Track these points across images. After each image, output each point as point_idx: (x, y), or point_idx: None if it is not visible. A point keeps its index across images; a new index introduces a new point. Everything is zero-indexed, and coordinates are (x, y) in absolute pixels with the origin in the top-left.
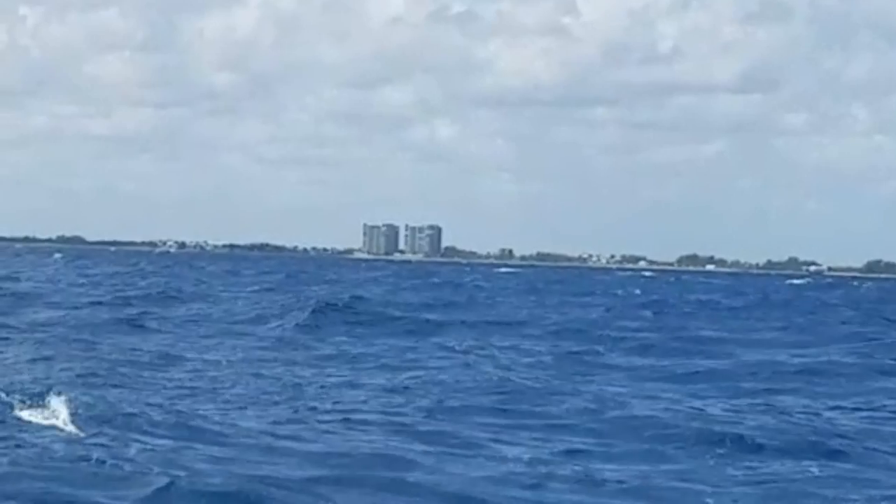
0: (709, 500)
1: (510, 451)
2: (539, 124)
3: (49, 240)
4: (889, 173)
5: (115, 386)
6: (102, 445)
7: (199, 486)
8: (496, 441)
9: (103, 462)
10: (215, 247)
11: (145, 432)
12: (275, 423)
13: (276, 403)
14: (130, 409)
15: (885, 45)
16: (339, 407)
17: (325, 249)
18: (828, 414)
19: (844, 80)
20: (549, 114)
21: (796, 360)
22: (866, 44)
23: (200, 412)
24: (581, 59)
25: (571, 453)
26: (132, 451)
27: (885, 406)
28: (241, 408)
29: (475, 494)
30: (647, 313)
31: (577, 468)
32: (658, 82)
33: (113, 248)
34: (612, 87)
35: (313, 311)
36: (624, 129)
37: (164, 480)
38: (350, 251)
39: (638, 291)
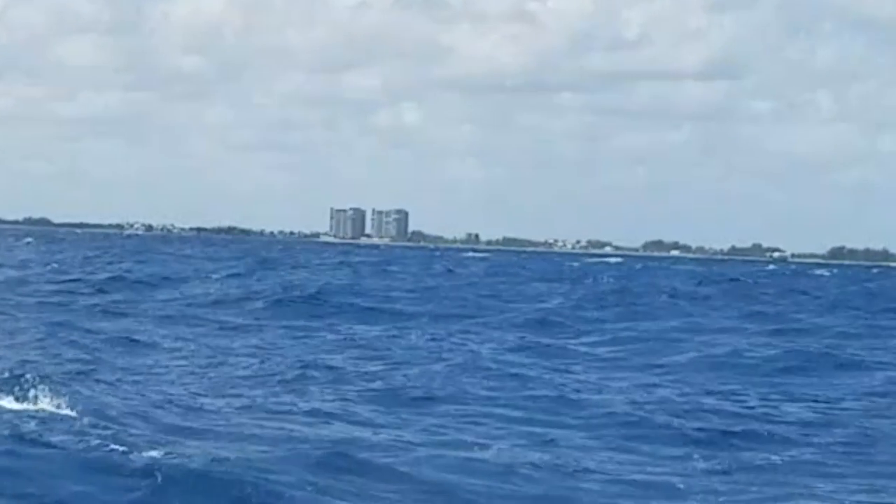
0: (680, 485)
1: (476, 440)
2: (505, 110)
3: (16, 221)
4: (853, 161)
5: (85, 373)
6: (70, 430)
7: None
8: (460, 430)
9: (65, 449)
10: (182, 230)
11: (113, 418)
12: (240, 408)
13: (239, 389)
14: (93, 394)
15: (849, 34)
16: (294, 394)
17: (291, 233)
18: (787, 406)
19: (809, 67)
20: (514, 99)
21: (764, 352)
22: (831, 32)
23: (164, 396)
24: (547, 45)
25: (538, 441)
26: (93, 436)
27: (842, 399)
28: (200, 394)
29: (442, 481)
30: (618, 301)
31: (543, 456)
32: (624, 69)
33: (79, 231)
34: (578, 73)
35: (278, 299)
36: (589, 116)
37: (136, 464)
38: (317, 235)
39: (609, 279)
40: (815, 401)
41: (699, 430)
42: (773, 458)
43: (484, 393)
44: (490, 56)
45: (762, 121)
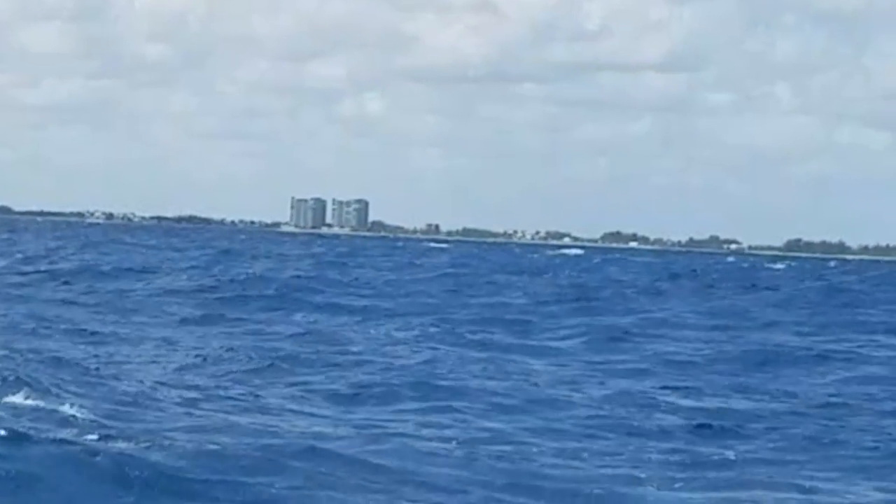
0: (641, 474)
1: (431, 433)
2: (467, 100)
3: None
4: (810, 153)
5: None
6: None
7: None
8: (420, 425)
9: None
10: (143, 218)
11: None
12: (194, 398)
13: (197, 380)
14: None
15: (809, 26)
16: (251, 386)
17: (252, 222)
18: (743, 401)
19: (769, 60)
20: (477, 90)
21: (722, 347)
22: (791, 24)
23: (121, 387)
24: (509, 36)
25: (491, 435)
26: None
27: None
28: (158, 384)
29: (405, 469)
30: (578, 295)
31: (504, 448)
32: (585, 60)
33: (40, 219)
34: (540, 64)
35: (239, 292)
36: (551, 106)
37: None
38: (277, 224)
39: (571, 273)
40: (772, 395)
41: (656, 423)
42: (728, 452)
43: (446, 384)
44: (453, 46)
45: (721, 113)
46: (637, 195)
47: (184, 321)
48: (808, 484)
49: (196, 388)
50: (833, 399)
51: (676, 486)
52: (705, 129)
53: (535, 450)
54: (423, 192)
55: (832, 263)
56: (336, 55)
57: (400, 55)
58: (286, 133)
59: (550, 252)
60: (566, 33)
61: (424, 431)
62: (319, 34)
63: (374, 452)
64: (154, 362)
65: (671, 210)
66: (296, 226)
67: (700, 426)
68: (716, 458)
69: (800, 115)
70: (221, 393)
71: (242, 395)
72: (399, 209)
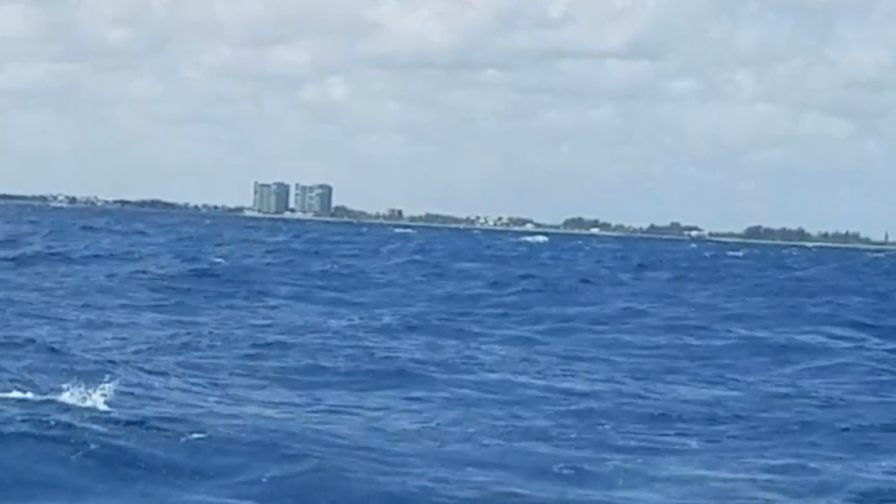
0: (586, 466)
1: (400, 415)
2: (430, 86)
3: None
4: (770, 141)
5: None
6: None
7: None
8: (381, 408)
9: None
10: (106, 202)
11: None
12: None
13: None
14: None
15: (772, 15)
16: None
17: (215, 207)
18: (704, 389)
19: (732, 48)
20: (440, 76)
21: (686, 340)
22: (754, 13)
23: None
24: (473, 23)
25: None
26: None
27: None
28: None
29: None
30: (543, 284)
31: (467, 429)
32: (548, 47)
33: (2, 202)
34: (503, 51)
35: (204, 278)
36: (514, 93)
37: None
38: (241, 209)
39: (536, 260)
40: (730, 386)
41: (616, 411)
42: (691, 442)
43: (410, 369)
44: (417, 33)
45: (684, 101)
46: (599, 182)
47: (150, 307)
48: (771, 464)
49: (160, 374)
50: (789, 390)
51: (638, 465)
52: (667, 117)
53: (485, 430)
54: (385, 178)
55: (794, 252)
56: (300, 41)
57: (363, 41)
58: (250, 118)
59: (515, 239)
60: (530, 21)
61: (389, 414)
62: (283, 20)
63: (329, 432)
64: (118, 348)
65: (633, 197)
66: (259, 211)
67: (662, 415)
68: (677, 446)
69: (762, 104)
70: (183, 379)
71: (203, 380)
72: (362, 195)
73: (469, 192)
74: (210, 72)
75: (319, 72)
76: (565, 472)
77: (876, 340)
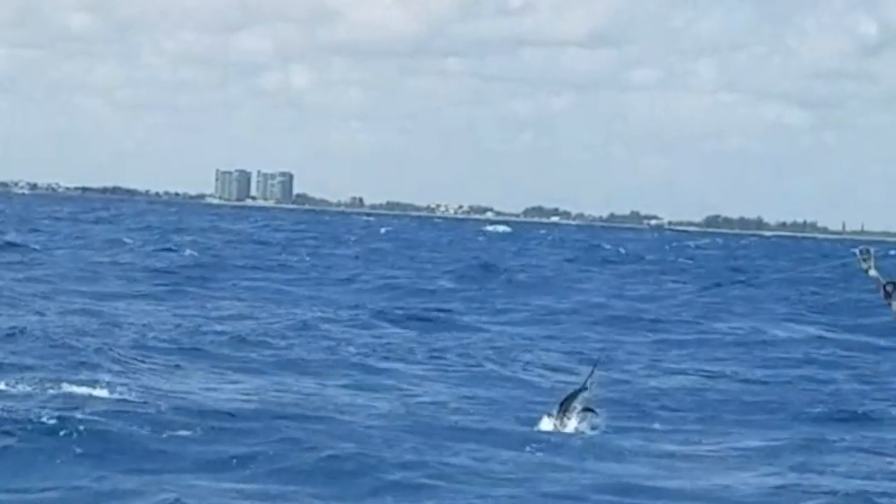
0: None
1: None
2: (392, 74)
3: None
4: (730, 130)
5: None
6: None
7: None
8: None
9: None
10: (67, 189)
11: None
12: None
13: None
14: None
15: (734, 4)
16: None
17: (177, 194)
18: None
19: (692, 38)
20: (402, 64)
21: (656, 337)
22: (715, 2)
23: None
24: (435, 11)
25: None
26: None
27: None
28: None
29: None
30: (509, 277)
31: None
32: (510, 35)
33: None
34: (465, 39)
35: (167, 269)
36: (475, 81)
37: None
38: (202, 196)
39: (503, 252)
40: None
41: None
42: (656, 425)
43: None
44: (379, 20)
45: (644, 89)
46: (559, 170)
47: (127, 298)
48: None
49: (118, 360)
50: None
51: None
52: (628, 106)
53: (442, 406)
54: (347, 165)
55: (753, 238)
56: (262, 28)
57: (326, 29)
58: (211, 105)
59: (475, 227)
60: (491, 9)
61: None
62: (246, 7)
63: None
64: (86, 335)
65: (593, 185)
66: (220, 198)
67: (622, 399)
68: (644, 427)
69: (722, 93)
70: (144, 364)
71: (165, 366)
72: (323, 182)
73: (430, 179)
74: (172, 58)
75: (281, 59)
76: (538, 453)
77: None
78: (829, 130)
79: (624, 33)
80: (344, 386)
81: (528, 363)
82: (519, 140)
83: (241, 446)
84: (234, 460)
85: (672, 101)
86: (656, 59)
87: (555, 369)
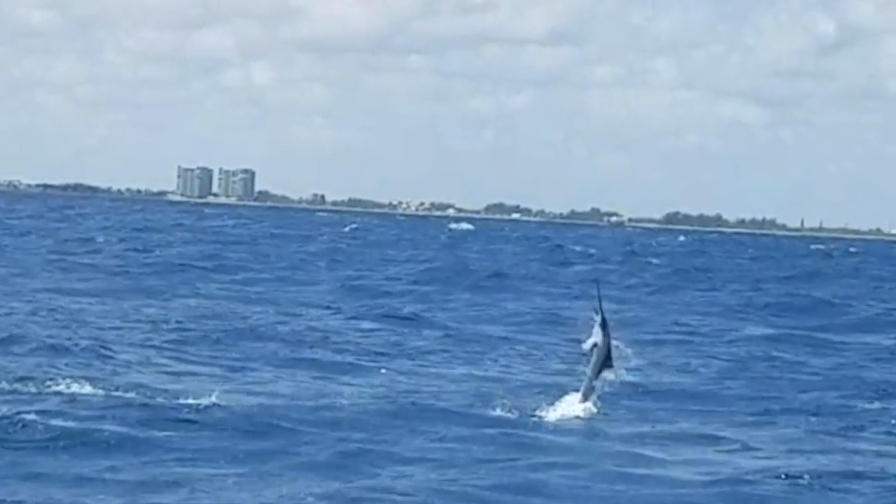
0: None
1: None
2: (354, 71)
3: None
4: (690, 127)
5: None
6: None
7: None
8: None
9: None
10: (28, 186)
11: None
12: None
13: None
14: None
15: (692, 2)
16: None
17: (139, 191)
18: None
19: (651, 35)
20: (364, 61)
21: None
22: (674, 1)
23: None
24: (396, 8)
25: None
26: None
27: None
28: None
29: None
30: (476, 276)
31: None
32: (471, 33)
33: None
34: (426, 36)
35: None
36: (436, 78)
37: None
38: (164, 193)
39: (470, 250)
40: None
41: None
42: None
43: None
44: (341, 17)
45: (604, 86)
46: (520, 167)
47: (97, 296)
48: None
49: (102, 356)
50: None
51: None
52: (588, 103)
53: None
54: (308, 163)
55: (714, 235)
56: (224, 25)
57: (287, 25)
58: (173, 102)
59: (437, 224)
60: (452, 6)
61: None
62: (207, 4)
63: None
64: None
65: (553, 182)
66: (182, 195)
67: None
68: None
69: (681, 90)
70: (123, 357)
71: (146, 363)
72: (285, 179)
73: (391, 176)
74: (134, 55)
75: (243, 56)
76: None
77: None
78: (787, 128)
79: (584, 31)
80: (314, 378)
81: (504, 358)
82: (480, 137)
83: (225, 441)
84: (242, 454)
85: (631, 98)
86: (616, 56)
87: (535, 364)
